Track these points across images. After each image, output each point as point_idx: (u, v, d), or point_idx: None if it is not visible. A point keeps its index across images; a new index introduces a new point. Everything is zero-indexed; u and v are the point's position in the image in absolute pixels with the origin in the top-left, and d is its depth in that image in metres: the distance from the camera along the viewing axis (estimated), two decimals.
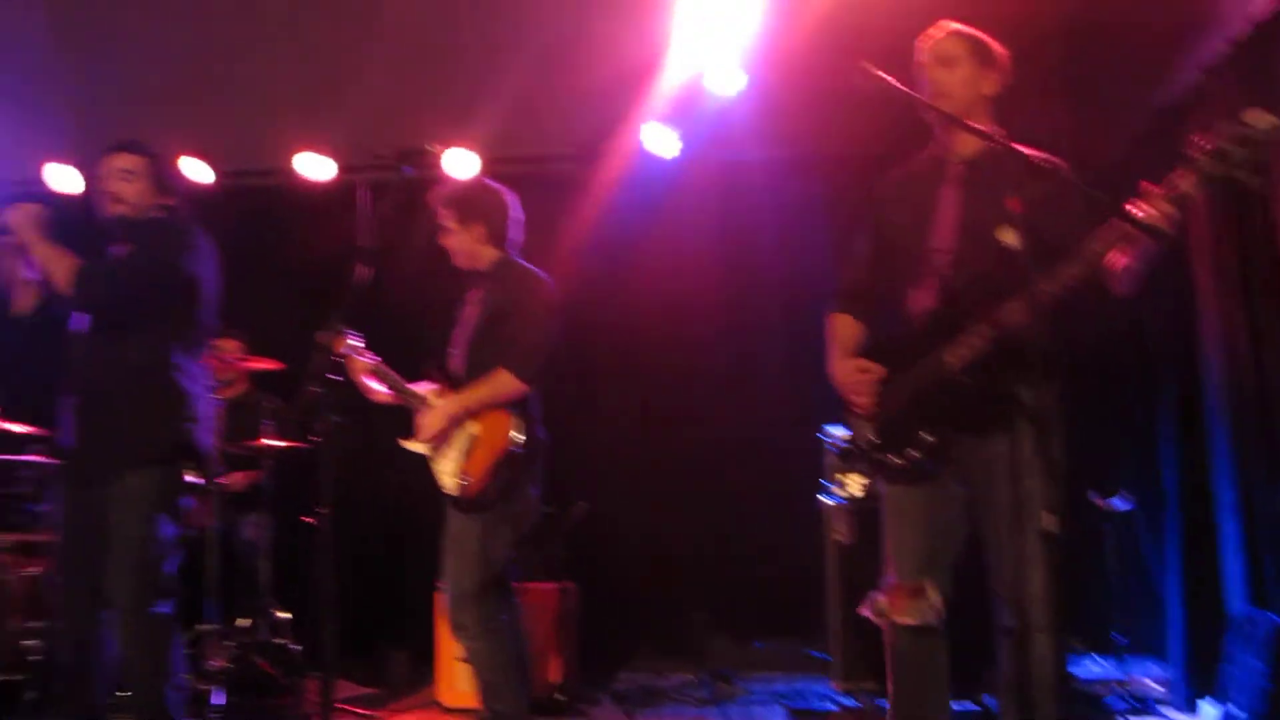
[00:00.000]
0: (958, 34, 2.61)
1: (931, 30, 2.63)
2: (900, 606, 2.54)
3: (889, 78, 2.24)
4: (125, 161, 3.20)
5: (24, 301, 3.17)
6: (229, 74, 4.80)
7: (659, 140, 4.99)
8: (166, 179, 3.29)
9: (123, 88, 4.92)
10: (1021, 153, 2.21)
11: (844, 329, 2.78)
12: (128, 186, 3.18)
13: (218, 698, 3.92)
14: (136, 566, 2.96)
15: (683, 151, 5.06)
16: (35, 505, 4.41)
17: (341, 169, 5.16)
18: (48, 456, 4.34)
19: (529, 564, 3.65)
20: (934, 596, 2.51)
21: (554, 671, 4.27)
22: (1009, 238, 2.15)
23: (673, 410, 5.22)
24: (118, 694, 3.02)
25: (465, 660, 3.23)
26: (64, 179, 5.27)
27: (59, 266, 3.03)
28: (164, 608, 3.00)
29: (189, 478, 3.13)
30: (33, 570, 4.03)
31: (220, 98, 4.84)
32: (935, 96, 2.55)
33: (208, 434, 3.18)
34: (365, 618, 4.77)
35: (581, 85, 4.74)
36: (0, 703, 3.84)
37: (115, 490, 2.99)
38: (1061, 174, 2.35)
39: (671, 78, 4.70)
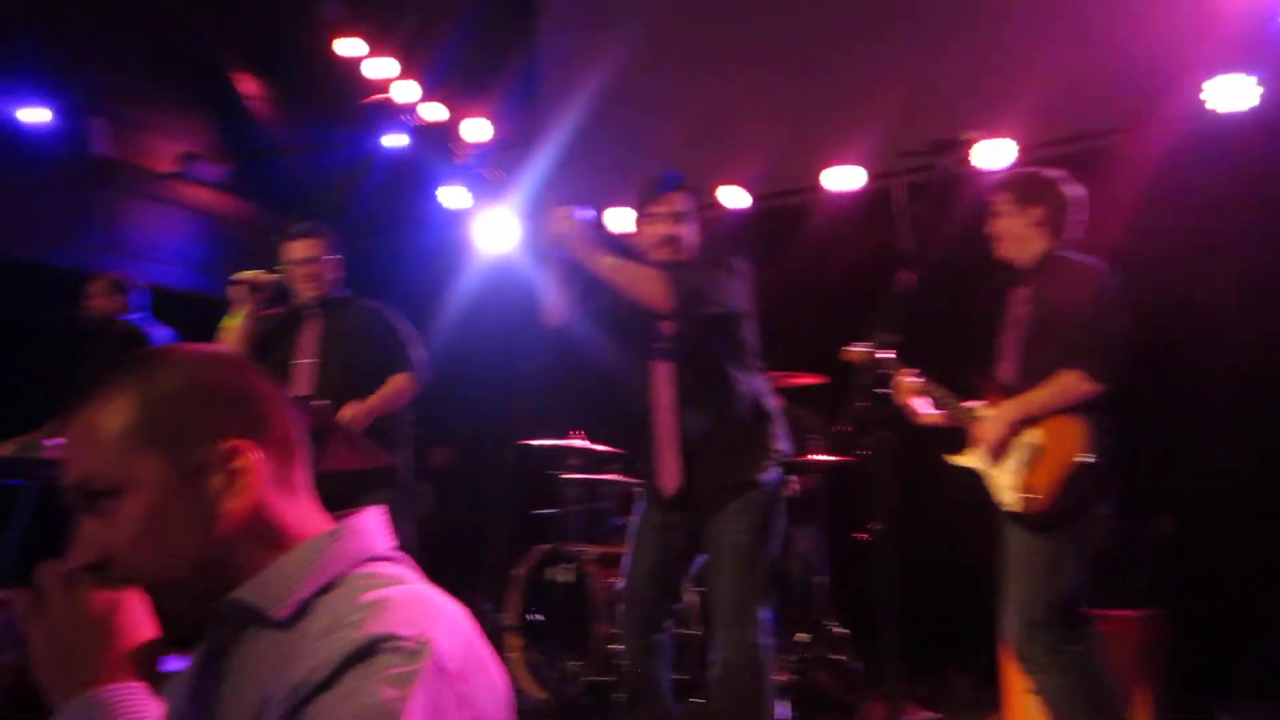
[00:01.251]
0: None
1: None
2: None
3: None
4: (680, 203, 3.12)
5: (557, 314, 3.09)
6: (758, 103, 4.99)
7: (1228, 92, 4.29)
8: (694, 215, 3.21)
9: (667, 133, 5.31)
10: None
11: None
12: (682, 229, 3.11)
13: (782, 711, 3.98)
14: (742, 586, 2.95)
15: (1261, 100, 4.30)
16: (618, 520, 4.83)
17: (872, 175, 5.08)
18: (627, 475, 4.74)
19: (1106, 589, 3.25)
20: None
21: (1142, 711, 3.78)
22: None
23: (1270, 406, 4.42)
24: (694, 701, 3.12)
25: (1035, 693, 2.95)
26: (620, 221, 5.77)
27: (644, 278, 2.91)
28: (764, 635, 2.99)
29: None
30: (615, 580, 4.37)
31: (753, 126, 5.03)
32: None
33: (790, 444, 3.16)
34: (925, 636, 4.60)
35: (1126, 49, 4.23)
36: (593, 702, 4.22)
37: (722, 513, 2.99)
38: None
39: (1237, 14, 4.03)
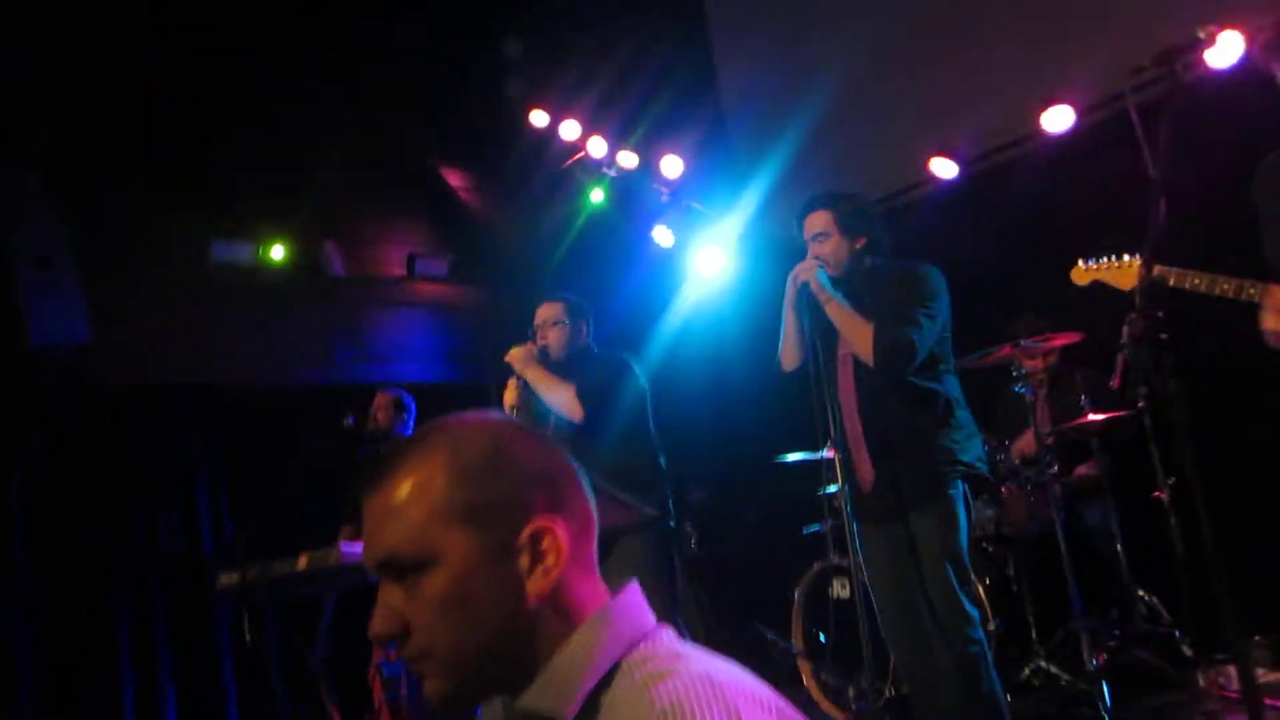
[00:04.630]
0: None
1: None
2: None
3: None
4: (816, 225, 3.26)
5: (792, 359, 3.31)
6: (951, 71, 4.80)
7: None
8: (854, 222, 3.28)
9: (864, 130, 5.18)
10: None
11: None
12: (824, 247, 3.24)
13: (1106, 695, 3.66)
14: (946, 591, 3.00)
15: None
16: None
17: (1083, 110, 4.69)
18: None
19: None
20: None
21: None
22: None
23: None
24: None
25: None
26: None
27: (858, 333, 3.11)
28: (978, 630, 3.02)
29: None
30: None
31: (952, 93, 4.83)
32: None
33: (977, 446, 3.20)
34: (1260, 592, 4.12)
35: None
36: (897, 715, 4.01)
37: (915, 520, 3.07)
38: None
39: None
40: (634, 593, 1.07)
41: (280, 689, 5.58)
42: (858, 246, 3.25)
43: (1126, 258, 3.07)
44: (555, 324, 3.87)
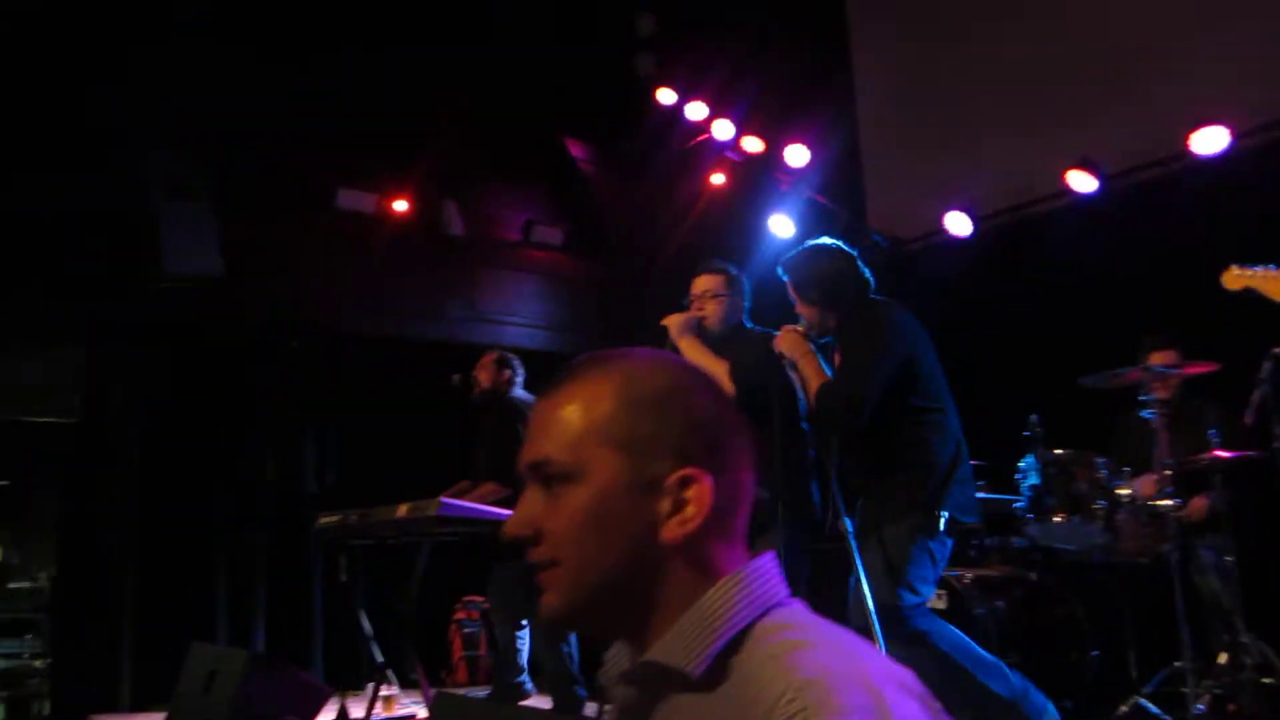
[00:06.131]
0: None
1: None
2: None
3: None
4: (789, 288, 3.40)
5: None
6: (1102, 75, 4.62)
7: None
8: (806, 291, 3.38)
9: (1000, 133, 5.02)
10: None
11: None
12: (799, 308, 3.38)
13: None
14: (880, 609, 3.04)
15: None
16: (989, 540, 4.55)
17: (1238, 133, 4.47)
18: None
19: None
20: None
21: None
22: None
23: None
24: None
25: None
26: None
27: (808, 389, 3.24)
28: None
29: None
30: (997, 604, 4.10)
31: (1098, 101, 4.66)
32: None
33: (958, 484, 3.21)
34: None
35: None
36: None
37: (866, 550, 3.15)
38: None
39: None
40: (770, 559, 1.06)
41: (367, 632, 5.71)
42: (816, 312, 3.37)
43: None
44: (714, 296, 3.79)
